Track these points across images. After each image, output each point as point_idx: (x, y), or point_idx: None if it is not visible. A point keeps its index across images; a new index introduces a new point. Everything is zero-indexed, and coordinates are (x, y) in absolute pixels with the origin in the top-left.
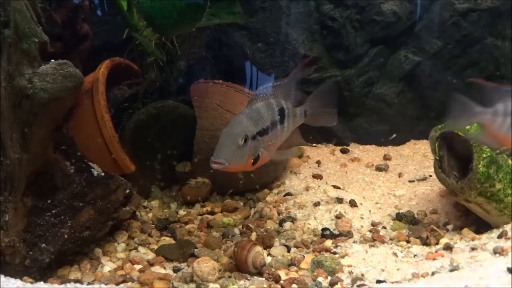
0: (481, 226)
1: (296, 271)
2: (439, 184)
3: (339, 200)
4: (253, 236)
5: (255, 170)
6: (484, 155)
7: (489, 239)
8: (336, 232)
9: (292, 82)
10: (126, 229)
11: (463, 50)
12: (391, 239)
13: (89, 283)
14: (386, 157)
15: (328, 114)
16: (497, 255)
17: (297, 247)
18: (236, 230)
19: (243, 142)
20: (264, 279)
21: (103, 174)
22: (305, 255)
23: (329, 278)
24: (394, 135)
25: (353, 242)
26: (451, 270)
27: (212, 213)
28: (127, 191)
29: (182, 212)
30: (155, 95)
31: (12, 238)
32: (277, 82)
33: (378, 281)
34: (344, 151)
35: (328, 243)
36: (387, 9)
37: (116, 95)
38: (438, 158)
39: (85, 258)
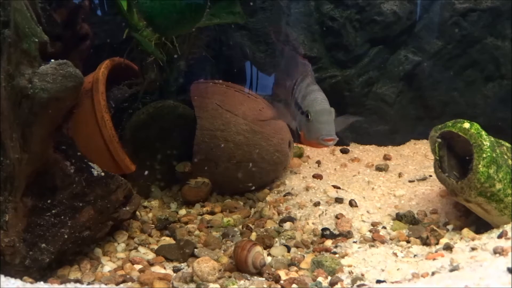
0: (481, 226)
1: (296, 271)
2: (439, 184)
3: (339, 200)
4: (253, 236)
5: (256, 170)
6: (484, 155)
7: (489, 239)
8: (336, 232)
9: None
10: (126, 229)
11: (463, 50)
12: (391, 239)
13: (89, 283)
14: (386, 157)
15: None
16: (497, 255)
17: (297, 247)
18: (236, 230)
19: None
20: (264, 279)
21: (103, 174)
22: (305, 255)
23: (329, 278)
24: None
25: (353, 242)
26: (451, 270)
27: (212, 213)
28: (127, 191)
29: (182, 212)
30: (155, 95)
31: (12, 238)
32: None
33: (378, 281)
34: (344, 151)
35: (328, 243)
36: (387, 9)
37: (116, 95)
38: (438, 158)
39: (85, 258)
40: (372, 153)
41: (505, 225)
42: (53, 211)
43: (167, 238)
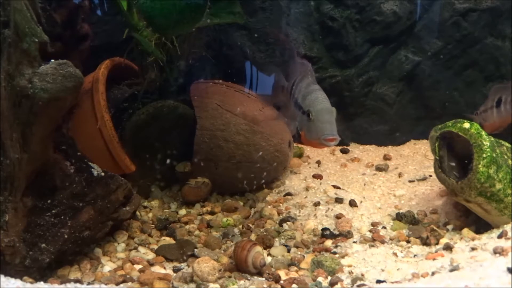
0: (481, 226)
1: (296, 271)
2: (439, 184)
3: (339, 200)
4: (253, 236)
5: (256, 170)
6: (484, 155)
7: (489, 239)
8: (336, 232)
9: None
10: (126, 229)
11: (463, 50)
12: (391, 239)
13: (89, 283)
14: (386, 157)
15: None
16: (497, 255)
17: (297, 247)
18: (236, 230)
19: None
20: (264, 279)
21: (103, 174)
22: (305, 255)
23: (329, 278)
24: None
25: (353, 242)
26: (451, 270)
27: (212, 213)
28: (127, 191)
29: (182, 212)
30: (155, 95)
31: (12, 238)
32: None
33: (378, 281)
34: (344, 151)
35: (328, 243)
36: (387, 9)
37: (116, 95)
38: (438, 158)
39: (85, 258)
40: (372, 153)
41: (505, 225)
42: (53, 211)
43: (167, 238)
